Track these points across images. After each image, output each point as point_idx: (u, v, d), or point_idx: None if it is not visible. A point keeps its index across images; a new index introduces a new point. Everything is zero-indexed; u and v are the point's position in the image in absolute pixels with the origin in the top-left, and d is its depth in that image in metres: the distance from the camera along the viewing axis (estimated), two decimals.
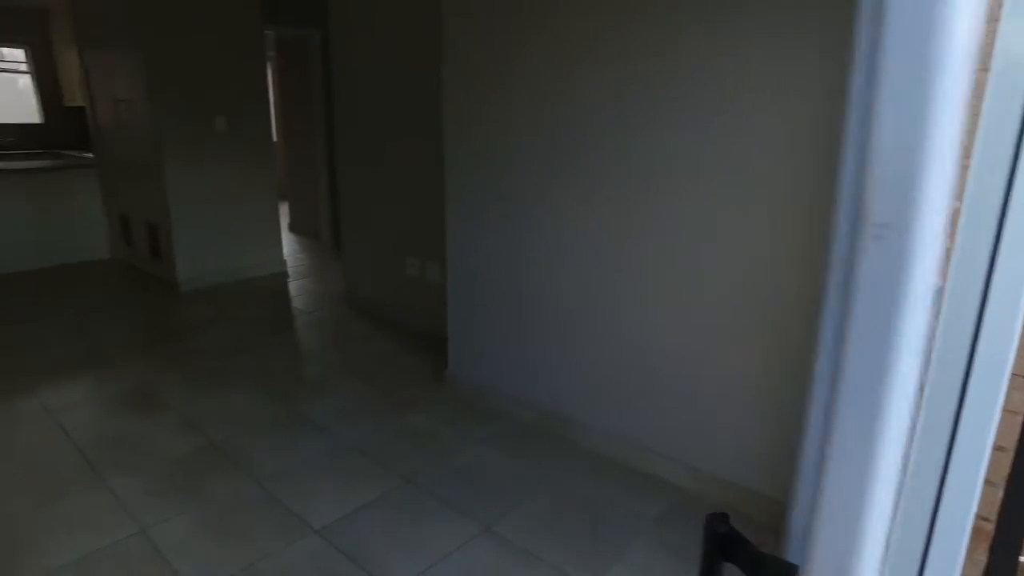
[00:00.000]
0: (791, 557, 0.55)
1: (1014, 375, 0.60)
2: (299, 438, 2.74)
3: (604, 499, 2.33)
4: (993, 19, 0.50)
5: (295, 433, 2.78)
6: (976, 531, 0.73)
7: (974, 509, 0.61)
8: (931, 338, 0.49)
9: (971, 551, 0.69)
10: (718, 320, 2.17)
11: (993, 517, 0.87)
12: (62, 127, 7.84)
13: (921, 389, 0.45)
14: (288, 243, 6.04)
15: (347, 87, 4.05)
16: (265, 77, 5.04)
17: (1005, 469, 0.84)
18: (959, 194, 0.52)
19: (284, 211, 6.54)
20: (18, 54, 7.67)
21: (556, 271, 2.59)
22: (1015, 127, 0.51)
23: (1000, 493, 0.86)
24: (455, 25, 2.72)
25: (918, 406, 0.48)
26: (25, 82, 7.75)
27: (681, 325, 2.27)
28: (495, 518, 2.23)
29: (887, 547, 0.45)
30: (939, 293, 0.49)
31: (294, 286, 5.02)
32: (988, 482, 0.74)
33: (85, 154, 6.73)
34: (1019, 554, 0.89)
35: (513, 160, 2.63)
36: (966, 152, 0.48)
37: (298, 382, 3.29)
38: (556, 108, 2.43)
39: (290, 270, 5.42)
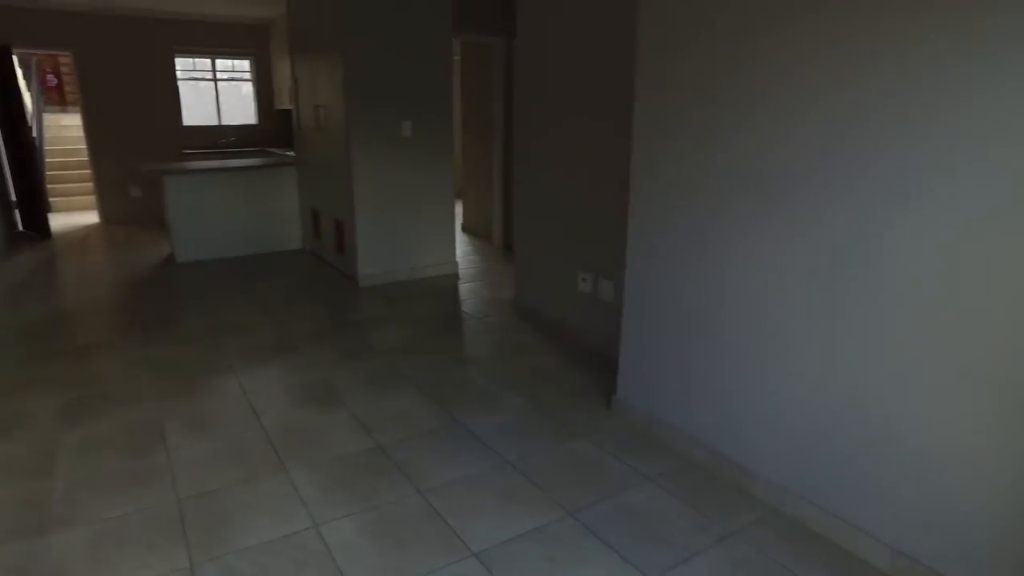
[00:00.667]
0: None
1: None
2: (461, 451, 2.73)
3: (788, 573, 2.06)
4: None
5: (458, 445, 2.78)
6: None
7: None
8: None
9: None
10: (960, 390, 1.81)
11: None
12: (272, 128, 8.72)
13: None
14: (460, 243, 6.20)
15: (529, 94, 4.02)
16: (451, 83, 5.18)
17: None
18: None
19: (457, 211, 6.76)
20: (244, 64, 8.63)
21: (755, 311, 2.34)
22: None
23: None
24: (654, 56, 2.55)
25: None
26: (248, 89, 8.71)
27: (910, 388, 1.93)
28: (661, 572, 2.05)
29: None
30: None
31: (464, 289, 5.12)
32: None
33: (288, 152, 7.41)
34: None
35: (710, 196, 2.42)
36: None
37: (463, 390, 3.31)
38: (769, 155, 2.18)
39: (461, 272, 5.55)
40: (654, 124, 2.60)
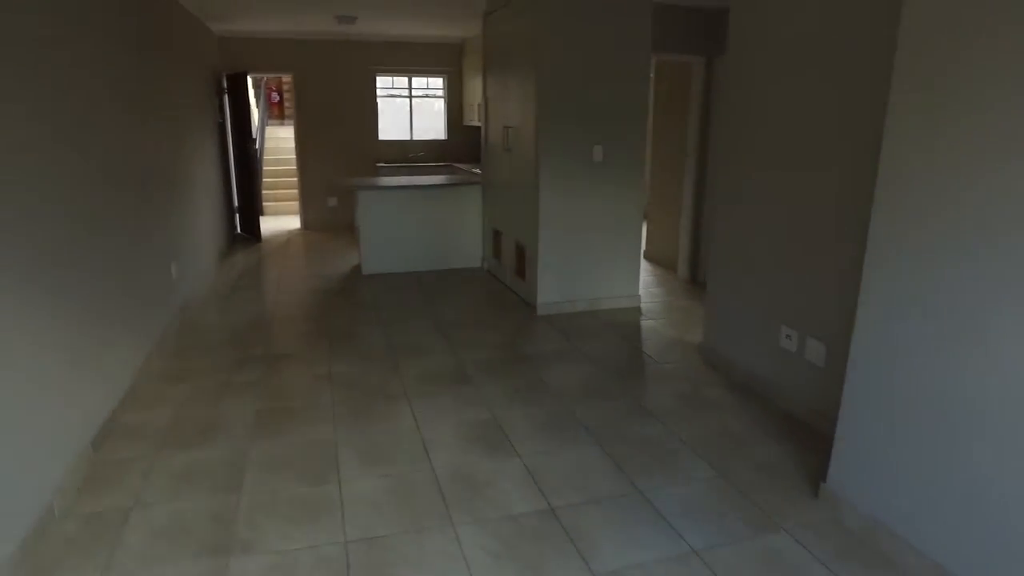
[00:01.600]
0: None
1: None
2: (641, 527, 2.41)
3: None
4: None
5: (637, 519, 2.46)
6: None
7: None
8: None
9: None
10: None
11: None
12: (460, 143, 8.94)
13: None
14: (642, 272, 5.85)
15: (737, 121, 3.60)
16: (646, 106, 4.87)
17: None
18: None
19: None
20: (437, 82, 8.95)
21: None
22: None
23: None
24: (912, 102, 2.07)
25: None
26: (439, 105, 9.02)
27: None
28: None
29: None
30: None
31: (646, 326, 4.77)
32: None
33: (474, 168, 7.52)
34: None
35: (999, 269, 1.89)
36: None
37: (644, 450, 2.98)
38: None
39: (643, 305, 5.21)
40: (918, 175, 2.10)
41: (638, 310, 5.11)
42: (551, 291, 4.96)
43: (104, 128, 3.34)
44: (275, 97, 13.71)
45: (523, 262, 5.22)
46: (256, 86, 11.54)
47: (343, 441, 3.03)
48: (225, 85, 7.70)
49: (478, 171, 7.27)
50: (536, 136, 4.69)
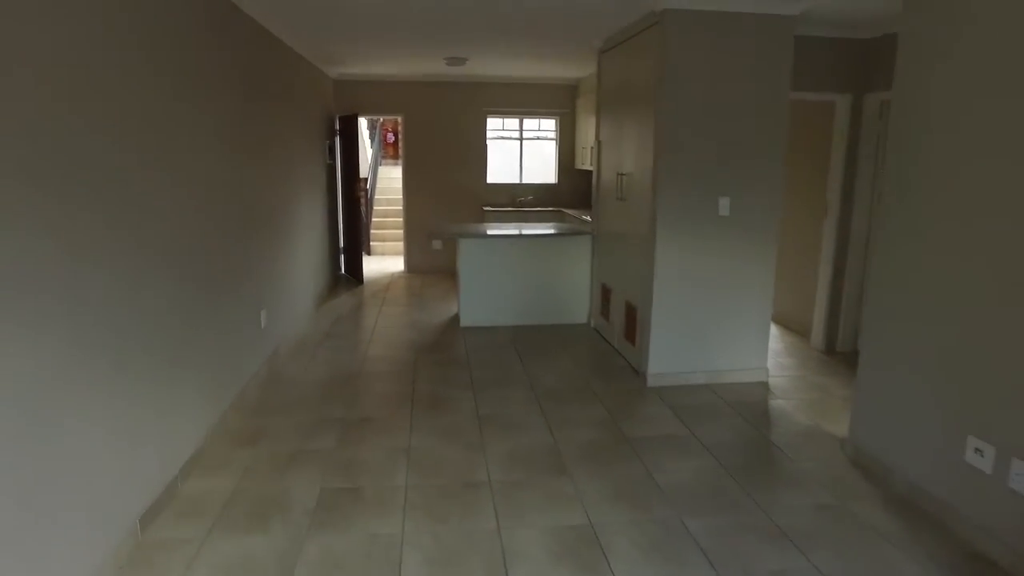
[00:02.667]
0: None
1: None
2: None
3: None
4: None
5: None
6: None
7: None
8: None
9: None
10: None
11: None
12: (570, 187, 8.54)
13: None
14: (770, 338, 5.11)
15: (910, 171, 2.92)
16: (782, 153, 4.23)
17: None
18: None
19: None
20: (549, 123, 8.64)
21: None
22: None
23: None
24: None
25: None
26: (551, 148, 8.69)
27: None
28: None
29: None
30: None
31: (775, 407, 4.05)
32: None
33: (584, 215, 7.06)
34: None
35: None
36: None
37: None
38: None
39: (771, 380, 4.48)
40: None
41: (765, 386, 4.38)
42: (664, 359, 4.35)
43: (208, 172, 3.22)
44: (391, 137, 14.02)
45: (633, 324, 4.65)
46: (372, 127, 11.79)
47: (410, 539, 2.58)
48: (338, 127, 7.76)
49: (588, 218, 6.81)
50: (654, 185, 4.17)
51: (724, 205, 4.19)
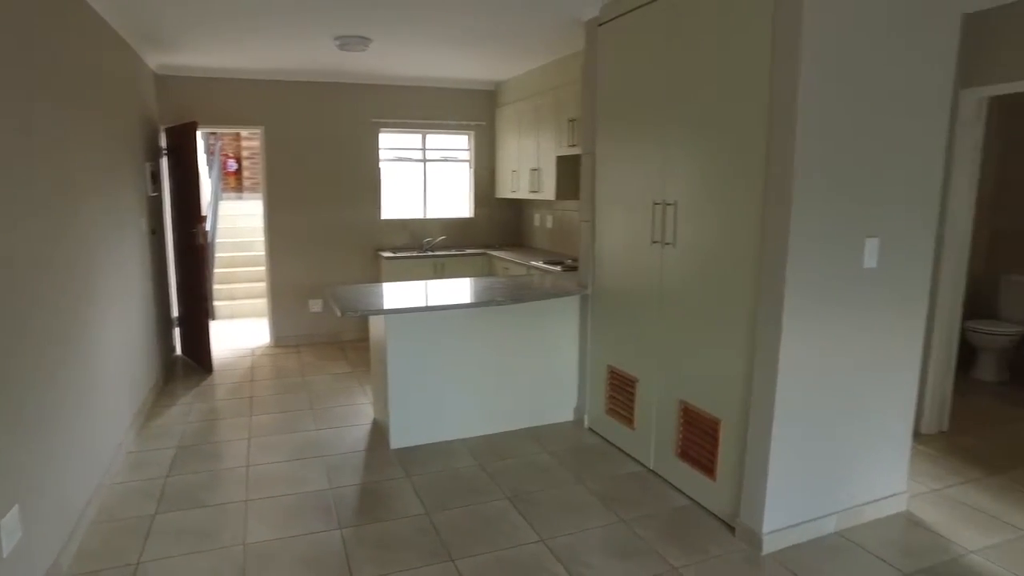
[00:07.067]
0: None
1: None
2: None
3: None
4: None
5: None
6: None
7: None
8: None
9: None
10: None
11: None
12: (490, 222, 6.70)
13: None
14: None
15: None
16: (941, 168, 2.70)
17: None
18: None
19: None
20: (462, 140, 6.71)
21: None
22: None
23: None
24: None
25: None
26: (464, 172, 6.77)
27: None
28: None
29: None
30: None
31: (950, 552, 2.42)
32: None
33: (513, 258, 5.23)
34: None
35: None
36: None
37: None
38: None
39: (915, 510, 2.88)
40: None
41: (909, 519, 2.77)
42: (785, 506, 2.60)
43: None
44: (232, 165, 11.31)
45: (713, 447, 2.86)
46: (209, 152, 9.15)
47: None
48: (164, 143, 5.33)
49: (540, 264, 4.97)
50: (766, 226, 2.45)
51: (871, 251, 2.56)
